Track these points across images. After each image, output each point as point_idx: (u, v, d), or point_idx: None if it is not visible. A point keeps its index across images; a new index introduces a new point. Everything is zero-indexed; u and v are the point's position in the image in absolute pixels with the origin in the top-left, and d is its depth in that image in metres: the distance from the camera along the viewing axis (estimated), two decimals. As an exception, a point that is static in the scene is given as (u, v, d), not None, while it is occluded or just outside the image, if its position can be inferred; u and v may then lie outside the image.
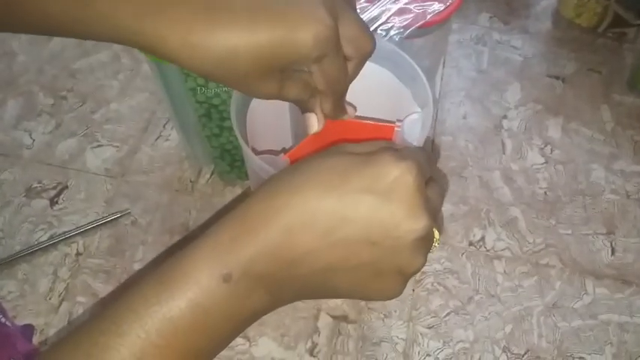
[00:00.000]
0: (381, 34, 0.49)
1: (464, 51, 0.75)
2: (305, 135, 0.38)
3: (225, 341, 0.29)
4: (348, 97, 0.37)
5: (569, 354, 0.54)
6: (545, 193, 0.63)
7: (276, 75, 0.31)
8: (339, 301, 0.56)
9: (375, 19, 0.49)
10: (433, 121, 0.67)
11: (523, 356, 0.54)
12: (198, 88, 0.49)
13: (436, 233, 0.31)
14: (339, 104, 0.36)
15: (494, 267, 0.58)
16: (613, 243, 0.60)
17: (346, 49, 0.32)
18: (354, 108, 0.39)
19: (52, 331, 0.54)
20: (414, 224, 0.27)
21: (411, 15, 0.49)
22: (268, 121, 0.47)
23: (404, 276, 0.29)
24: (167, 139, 0.67)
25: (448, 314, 0.56)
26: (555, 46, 0.76)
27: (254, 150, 0.45)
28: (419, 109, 0.44)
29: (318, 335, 0.54)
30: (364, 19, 0.49)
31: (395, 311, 0.55)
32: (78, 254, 0.59)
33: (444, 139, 0.67)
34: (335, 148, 0.31)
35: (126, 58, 0.73)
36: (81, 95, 0.70)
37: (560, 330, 0.55)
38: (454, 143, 0.67)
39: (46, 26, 0.31)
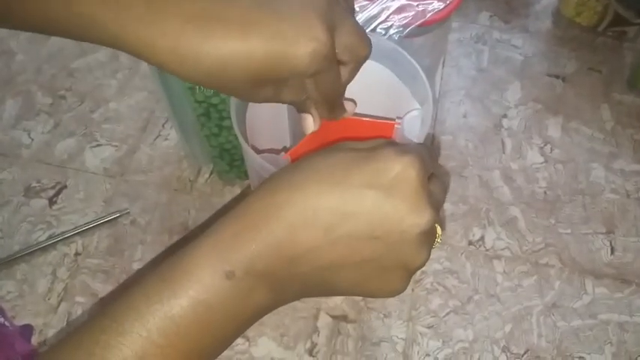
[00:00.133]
0: (380, 32, 0.48)
1: (464, 50, 0.75)
2: (303, 134, 0.37)
3: (227, 340, 0.29)
4: (347, 95, 0.37)
5: (568, 354, 0.54)
6: (545, 192, 0.63)
7: (270, 84, 0.31)
8: (338, 300, 0.56)
9: (375, 17, 0.49)
10: (433, 120, 0.67)
11: (522, 356, 0.54)
12: (197, 87, 0.49)
13: (438, 229, 0.31)
14: (334, 108, 0.36)
15: (493, 266, 0.58)
16: (612, 242, 0.60)
17: (342, 56, 0.32)
18: (354, 103, 0.38)
19: (50, 332, 0.54)
20: (418, 218, 0.27)
21: (411, 13, 0.49)
22: (267, 120, 0.47)
23: (408, 271, 0.29)
24: (166, 139, 0.67)
25: (448, 314, 0.56)
26: (555, 45, 0.76)
27: (254, 149, 0.45)
28: (419, 107, 0.44)
29: (318, 335, 0.54)
30: (364, 17, 0.49)
31: (394, 311, 0.55)
32: (77, 254, 0.58)
33: (443, 138, 0.67)
34: (336, 145, 0.30)
35: (124, 57, 0.73)
36: (79, 94, 0.70)
37: (559, 329, 0.55)
38: (454, 142, 0.67)
39: (32, 23, 0.30)
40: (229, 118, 0.51)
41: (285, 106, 0.48)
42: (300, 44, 0.28)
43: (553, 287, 0.57)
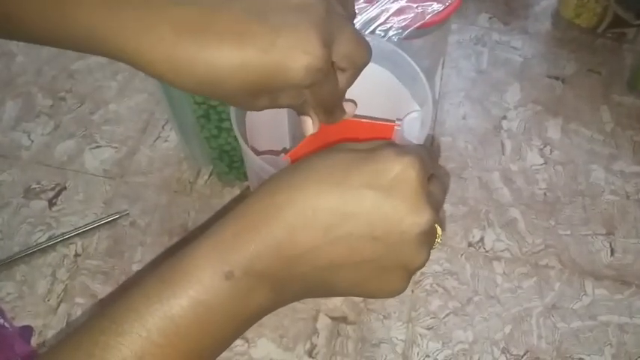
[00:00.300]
0: (379, 34, 0.48)
1: (463, 51, 0.75)
2: (303, 136, 0.38)
3: (227, 341, 0.29)
4: (348, 97, 0.37)
5: (568, 355, 0.54)
6: (545, 193, 0.63)
7: (265, 94, 0.31)
8: (338, 302, 0.56)
9: (374, 19, 0.49)
10: (432, 121, 0.67)
11: (522, 357, 0.54)
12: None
13: (438, 229, 0.31)
14: (333, 113, 0.36)
15: (493, 268, 0.58)
16: (612, 244, 0.60)
17: (341, 63, 0.32)
18: (355, 104, 0.38)
19: (50, 333, 0.54)
20: (418, 218, 0.27)
21: (410, 15, 0.49)
22: (267, 122, 0.47)
23: (408, 272, 0.29)
24: (166, 140, 0.67)
25: (447, 315, 0.56)
26: (555, 47, 0.76)
27: (254, 150, 0.45)
28: (418, 108, 0.44)
29: (317, 336, 0.54)
30: (363, 19, 0.49)
31: (394, 312, 0.55)
32: (76, 255, 0.58)
33: (443, 139, 0.67)
34: (336, 146, 0.30)
35: (125, 58, 0.73)
36: (79, 96, 0.70)
37: (559, 331, 0.55)
38: (453, 144, 0.67)
39: (29, 34, 0.30)
40: (229, 119, 0.51)
41: (285, 109, 0.48)
42: (294, 57, 0.28)
43: (553, 288, 0.57)
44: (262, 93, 0.30)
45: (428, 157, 0.30)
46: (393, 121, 0.42)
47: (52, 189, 0.63)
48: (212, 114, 0.52)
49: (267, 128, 0.48)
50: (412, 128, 0.43)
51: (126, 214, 0.61)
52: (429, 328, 0.55)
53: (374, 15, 0.49)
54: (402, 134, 0.42)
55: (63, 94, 0.70)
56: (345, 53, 0.31)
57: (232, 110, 0.42)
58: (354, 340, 0.54)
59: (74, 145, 0.66)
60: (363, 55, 0.32)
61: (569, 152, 0.66)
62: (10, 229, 0.60)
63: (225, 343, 0.29)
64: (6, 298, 0.56)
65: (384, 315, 0.55)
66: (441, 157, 0.65)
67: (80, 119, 0.68)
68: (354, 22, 0.48)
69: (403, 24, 0.48)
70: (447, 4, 0.49)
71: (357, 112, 0.39)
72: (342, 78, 0.33)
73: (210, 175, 0.64)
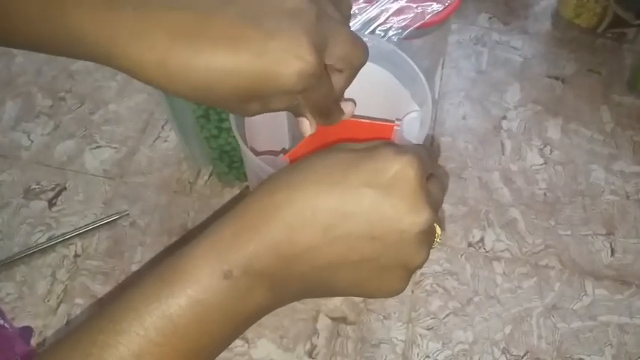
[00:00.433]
0: (379, 34, 0.48)
1: (463, 51, 0.75)
2: (302, 136, 0.37)
3: (225, 341, 0.29)
4: (347, 97, 0.37)
5: (568, 355, 0.54)
6: (545, 193, 0.63)
7: (257, 99, 0.31)
8: (337, 302, 0.56)
9: (374, 19, 0.49)
10: (432, 121, 0.67)
11: (522, 357, 0.54)
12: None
13: (438, 229, 0.31)
14: (329, 115, 0.36)
15: (493, 268, 0.58)
16: (612, 244, 0.60)
17: (337, 65, 0.32)
18: (354, 103, 0.38)
19: (50, 333, 0.54)
20: (417, 217, 0.27)
21: (410, 15, 0.49)
22: (266, 122, 0.47)
23: (407, 271, 0.29)
24: (165, 141, 0.67)
25: (447, 315, 0.55)
26: (555, 47, 0.76)
27: (253, 151, 0.45)
28: (418, 108, 0.44)
29: (317, 337, 0.54)
30: (363, 19, 0.49)
31: (394, 312, 0.55)
32: (76, 256, 0.58)
33: (443, 139, 0.67)
34: (335, 146, 0.30)
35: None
36: (79, 96, 0.70)
37: (559, 331, 0.55)
38: (453, 144, 0.67)
39: (21, 40, 0.30)
40: (228, 119, 0.51)
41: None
42: (286, 63, 0.28)
43: (553, 289, 0.57)
44: (254, 98, 0.30)
45: (427, 156, 0.29)
46: (393, 121, 0.42)
47: (52, 189, 0.63)
48: (212, 114, 0.52)
49: (267, 129, 0.48)
50: (411, 128, 0.43)
51: (126, 215, 0.61)
52: (429, 329, 0.55)
53: (374, 15, 0.49)
54: (401, 134, 0.42)
55: (63, 94, 0.70)
56: (340, 55, 0.31)
57: (232, 110, 0.42)
58: (354, 340, 0.54)
59: (74, 145, 0.66)
60: (359, 55, 0.32)
61: (569, 152, 0.66)
62: (9, 230, 0.60)
63: (224, 343, 0.29)
64: (6, 298, 0.56)
65: (384, 315, 0.55)
66: (440, 157, 0.65)
67: (80, 119, 0.68)
68: (352, 21, 0.48)
69: (403, 24, 0.48)
70: (447, 4, 0.49)
71: (357, 112, 0.39)
72: (339, 78, 0.33)
73: (210, 175, 0.64)
